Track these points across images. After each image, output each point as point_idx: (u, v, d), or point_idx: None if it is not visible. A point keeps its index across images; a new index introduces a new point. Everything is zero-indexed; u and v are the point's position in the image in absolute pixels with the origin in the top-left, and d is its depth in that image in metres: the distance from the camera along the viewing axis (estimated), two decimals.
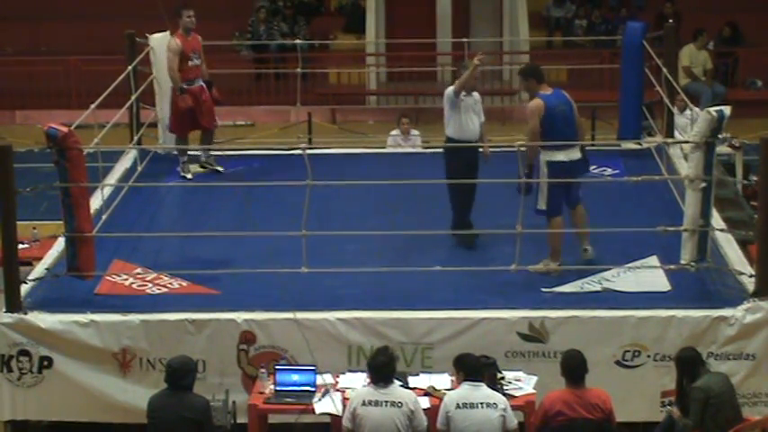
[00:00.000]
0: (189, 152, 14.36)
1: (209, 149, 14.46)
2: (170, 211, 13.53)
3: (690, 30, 21.37)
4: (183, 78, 13.97)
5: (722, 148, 15.29)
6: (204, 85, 14.15)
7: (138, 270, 11.48)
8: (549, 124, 11.09)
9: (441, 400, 9.41)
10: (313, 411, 9.72)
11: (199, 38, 14.23)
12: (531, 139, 11.16)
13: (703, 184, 10.75)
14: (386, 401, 9.09)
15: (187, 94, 13.94)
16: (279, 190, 12.26)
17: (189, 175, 14.21)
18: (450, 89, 12.07)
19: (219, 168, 14.31)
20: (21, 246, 11.30)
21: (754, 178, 12.77)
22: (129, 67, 14.29)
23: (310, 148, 13.55)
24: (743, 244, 11.88)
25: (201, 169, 14.39)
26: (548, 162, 11.11)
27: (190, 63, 13.99)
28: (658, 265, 11.25)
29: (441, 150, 12.33)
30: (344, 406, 9.42)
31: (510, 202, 11.23)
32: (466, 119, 12.02)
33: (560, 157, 11.10)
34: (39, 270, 11.42)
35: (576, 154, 11.21)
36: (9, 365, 10.60)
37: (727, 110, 10.84)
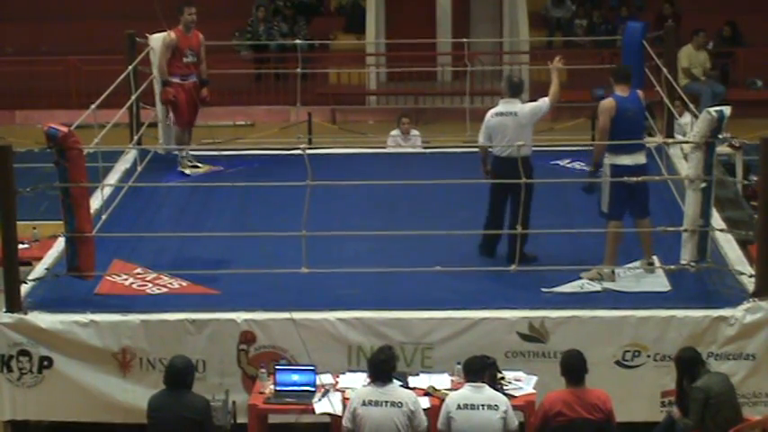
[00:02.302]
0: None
1: (211, 149, 14.49)
2: (170, 211, 13.52)
3: (689, 30, 21.37)
4: (176, 73, 14.09)
5: (722, 148, 15.30)
6: (196, 82, 14.21)
7: (138, 270, 11.48)
8: (618, 126, 10.90)
9: (441, 400, 9.42)
10: (313, 411, 9.72)
11: (200, 36, 14.32)
12: (599, 138, 11.01)
13: (703, 184, 10.75)
14: (386, 401, 9.10)
15: (171, 87, 14.03)
16: (279, 190, 12.26)
17: (187, 171, 14.26)
18: (546, 102, 11.40)
19: (199, 164, 14.39)
20: (21, 246, 11.30)
21: (754, 178, 12.77)
22: (130, 68, 14.30)
23: (310, 148, 13.56)
24: (743, 244, 11.88)
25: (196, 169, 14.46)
26: (612, 165, 10.93)
27: (184, 59, 14.11)
28: (658, 265, 11.25)
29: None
30: (344, 406, 9.43)
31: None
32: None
33: (626, 160, 10.93)
34: (39, 270, 11.42)
35: (641, 158, 11.05)
36: (9, 365, 10.59)
37: (727, 110, 10.83)
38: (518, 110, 11.37)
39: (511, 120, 11.35)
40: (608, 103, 11.01)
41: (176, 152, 14.43)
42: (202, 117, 15.29)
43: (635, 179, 10.87)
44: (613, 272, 11.10)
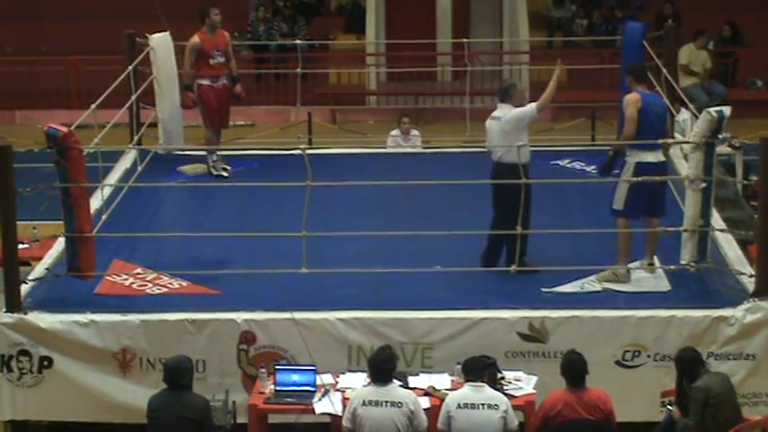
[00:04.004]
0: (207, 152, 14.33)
1: (214, 150, 14.45)
2: (170, 211, 13.54)
3: (690, 30, 21.38)
4: (205, 75, 14.04)
5: (722, 148, 15.29)
6: (227, 84, 14.22)
7: (138, 270, 11.48)
8: (642, 121, 10.85)
9: (441, 400, 9.43)
10: (313, 411, 9.72)
11: (226, 35, 14.35)
12: (629, 127, 10.83)
13: (703, 185, 10.75)
14: (386, 401, 9.10)
15: (202, 90, 13.98)
16: (279, 190, 12.26)
17: (225, 173, 14.19)
18: (533, 107, 11.15)
19: (225, 174, 14.26)
20: (21, 246, 11.30)
21: (754, 178, 12.76)
22: (130, 68, 14.29)
23: (310, 149, 13.56)
24: (743, 244, 11.88)
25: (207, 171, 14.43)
26: (636, 162, 10.85)
27: (212, 61, 14.06)
28: (658, 265, 11.25)
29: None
30: (344, 406, 9.43)
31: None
32: (527, 139, 11.31)
33: (650, 158, 10.89)
34: (39, 270, 11.42)
35: (662, 156, 11.02)
36: (9, 365, 10.59)
37: (727, 110, 10.83)
38: (503, 115, 11.21)
39: (496, 124, 11.25)
40: (632, 95, 10.95)
41: (207, 155, 14.28)
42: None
43: (645, 178, 10.85)
44: (628, 271, 11.07)
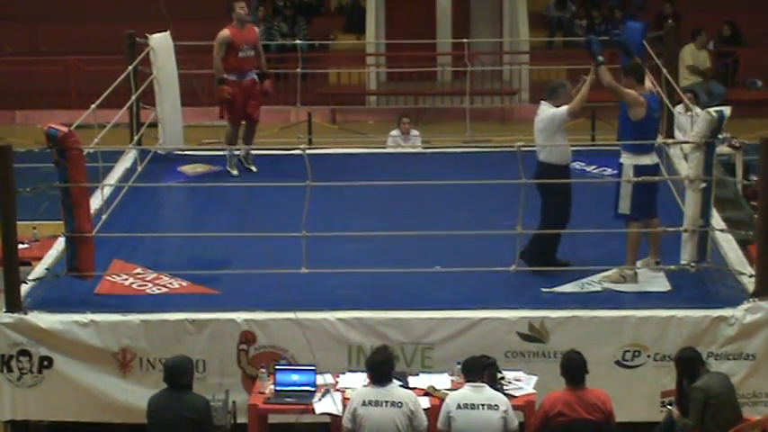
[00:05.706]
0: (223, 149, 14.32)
1: (211, 149, 14.46)
2: (170, 211, 13.54)
3: (690, 30, 21.38)
4: (232, 69, 13.96)
5: (722, 148, 15.29)
6: (256, 78, 14.14)
7: (138, 270, 11.48)
8: (646, 125, 10.89)
9: (441, 400, 9.43)
10: (313, 411, 9.72)
11: (256, 30, 14.36)
12: (627, 95, 10.86)
13: (703, 185, 10.75)
14: (386, 401, 9.10)
15: (227, 85, 13.91)
16: (279, 190, 12.26)
17: (234, 171, 14.15)
18: (564, 111, 11.10)
19: (253, 168, 14.24)
20: (21, 246, 11.30)
21: (754, 178, 12.76)
22: (130, 68, 14.29)
23: (310, 148, 13.56)
24: (743, 244, 11.88)
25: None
26: (635, 166, 10.85)
27: (240, 54, 13.98)
28: (660, 265, 11.24)
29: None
30: (344, 406, 9.43)
31: (511, 204, 11.24)
32: (564, 140, 11.32)
33: (646, 160, 10.89)
34: (39, 270, 11.42)
35: (656, 158, 11.08)
36: (9, 365, 10.60)
37: (727, 110, 10.83)
38: (540, 113, 11.25)
39: (536, 122, 11.30)
40: (640, 98, 10.92)
41: (227, 152, 14.23)
42: (205, 116, 15.30)
43: (647, 178, 10.85)
44: (636, 273, 11.07)
